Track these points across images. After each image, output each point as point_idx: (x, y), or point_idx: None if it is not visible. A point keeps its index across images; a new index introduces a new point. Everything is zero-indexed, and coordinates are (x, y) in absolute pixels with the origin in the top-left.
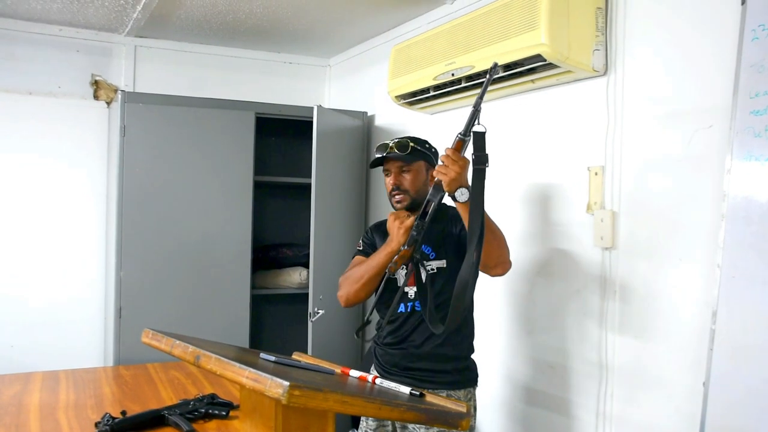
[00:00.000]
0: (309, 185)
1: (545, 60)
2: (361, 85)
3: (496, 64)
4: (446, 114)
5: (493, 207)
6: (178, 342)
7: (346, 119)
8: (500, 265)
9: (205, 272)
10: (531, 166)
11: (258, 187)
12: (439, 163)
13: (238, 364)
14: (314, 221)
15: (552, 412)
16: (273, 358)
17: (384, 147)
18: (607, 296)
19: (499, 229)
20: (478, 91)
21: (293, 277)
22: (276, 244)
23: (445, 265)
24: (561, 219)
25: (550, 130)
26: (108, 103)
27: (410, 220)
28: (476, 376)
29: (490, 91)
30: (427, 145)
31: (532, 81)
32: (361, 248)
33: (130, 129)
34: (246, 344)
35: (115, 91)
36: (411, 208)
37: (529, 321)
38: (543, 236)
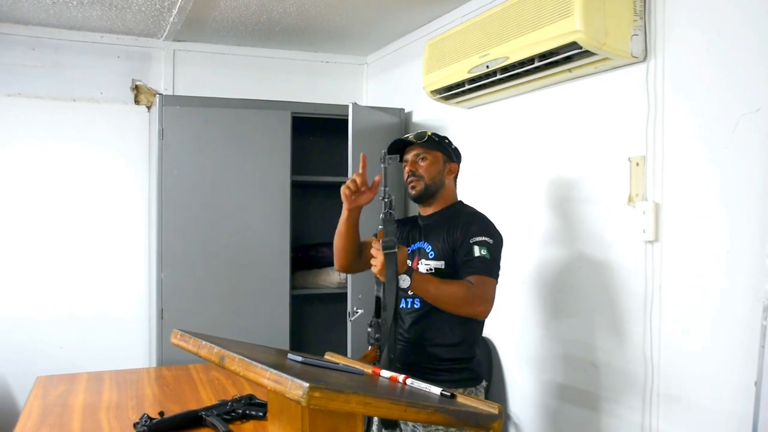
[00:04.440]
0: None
1: (581, 47)
2: (398, 82)
3: (385, 153)
4: (483, 108)
5: (531, 201)
6: (204, 343)
7: (382, 116)
8: (468, 315)
9: (244, 273)
10: (569, 158)
11: (296, 186)
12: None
13: (260, 365)
14: (362, 224)
15: (593, 412)
16: (300, 359)
17: (403, 138)
18: (650, 291)
19: (449, 293)
20: (515, 83)
21: (332, 276)
22: (315, 243)
23: (443, 267)
24: (601, 212)
25: (588, 121)
26: (148, 108)
27: (380, 261)
28: (477, 376)
29: (526, 83)
30: (447, 141)
31: (569, 70)
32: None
33: (168, 132)
34: (286, 345)
35: (155, 95)
36: (423, 196)
37: (569, 317)
38: (583, 230)
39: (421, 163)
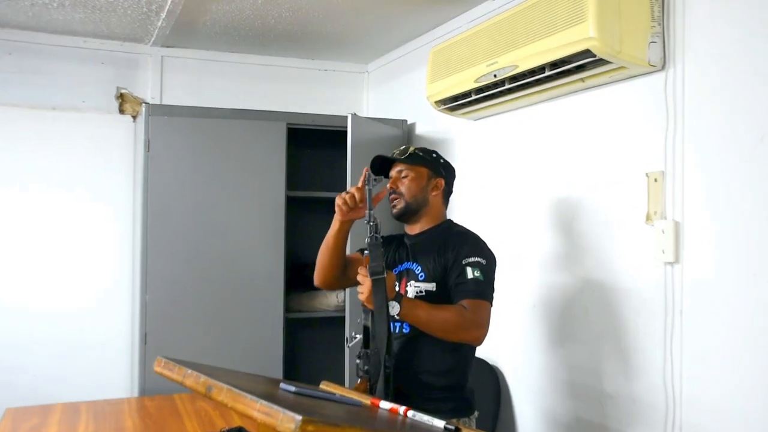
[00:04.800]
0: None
1: (595, 55)
2: (400, 92)
3: (370, 174)
4: (490, 120)
5: (541, 219)
6: (190, 371)
7: (383, 128)
8: (463, 341)
9: (235, 295)
10: (582, 173)
11: (291, 202)
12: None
13: (250, 396)
14: (350, 238)
15: None
16: (294, 389)
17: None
18: (670, 317)
19: (441, 319)
20: (524, 93)
21: (330, 299)
22: (311, 263)
23: (434, 289)
24: (617, 231)
25: (603, 133)
26: (134, 117)
27: (368, 288)
28: (469, 405)
29: (536, 93)
30: (434, 155)
31: (582, 80)
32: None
33: (154, 143)
34: (279, 372)
35: (141, 104)
36: (405, 215)
37: (582, 344)
38: (596, 250)
39: (404, 180)
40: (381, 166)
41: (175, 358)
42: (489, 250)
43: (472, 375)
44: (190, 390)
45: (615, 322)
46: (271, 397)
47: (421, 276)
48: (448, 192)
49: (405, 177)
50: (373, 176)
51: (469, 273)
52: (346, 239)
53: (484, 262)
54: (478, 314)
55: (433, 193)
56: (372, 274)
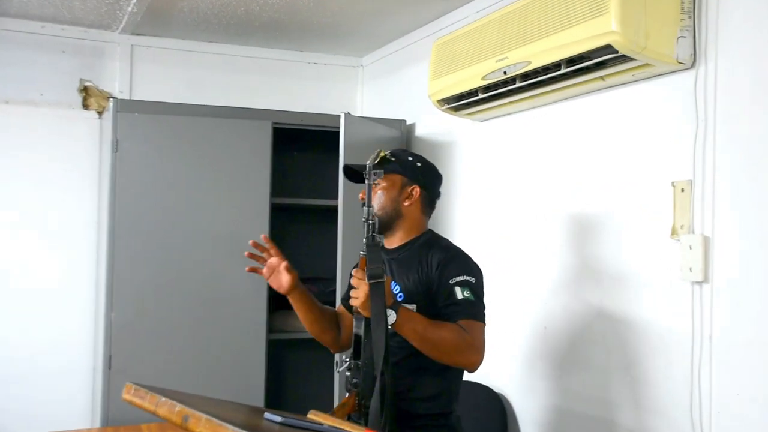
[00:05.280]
0: (335, 208)
1: (617, 51)
2: (399, 89)
3: (371, 167)
4: (499, 121)
5: (554, 232)
6: (163, 399)
7: (380, 129)
8: (458, 365)
9: (212, 313)
10: (601, 182)
11: (277, 210)
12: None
13: (232, 427)
14: (341, 251)
15: None
16: (279, 419)
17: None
18: (698, 344)
19: (440, 337)
20: (537, 92)
21: None
22: (298, 278)
23: (413, 310)
24: (639, 247)
25: (624, 138)
26: (99, 114)
27: (364, 292)
28: None
29: (550, 92)
30: (409, 159)
31: (602, 78)
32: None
33: (123, 143)
34: (261, 400)
35: (108, 98)
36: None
37: (599, 374)
38: (615, 268)
39: (374, 190)
40: (351, 175)
41: (147, 385)
42: (475, 264)
43: (458, 402)
44: (163, 420)
45: (635, 349)
46: (255, 428)
47: (400, 296)
48: (429, 199)
49: (376, 186)
50: (373, 169)
51: (459, 293)
52: (312, 304)
53: (473, 280)
54: (475, 337)
55: (406, 203)
56: (371, 277)
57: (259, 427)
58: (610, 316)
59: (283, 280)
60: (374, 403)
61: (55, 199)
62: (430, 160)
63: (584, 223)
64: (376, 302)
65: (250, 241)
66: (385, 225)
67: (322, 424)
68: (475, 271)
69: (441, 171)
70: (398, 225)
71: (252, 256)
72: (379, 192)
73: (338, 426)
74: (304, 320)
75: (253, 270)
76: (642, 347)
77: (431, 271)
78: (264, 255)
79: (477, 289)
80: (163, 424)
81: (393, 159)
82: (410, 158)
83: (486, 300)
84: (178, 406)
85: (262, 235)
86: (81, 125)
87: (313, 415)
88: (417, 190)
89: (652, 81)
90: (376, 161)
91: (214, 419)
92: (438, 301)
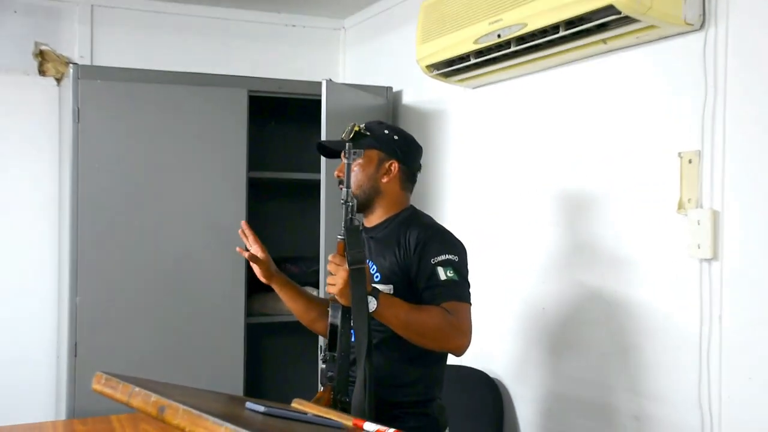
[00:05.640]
0: (317, 183)
1: (620, 12)
2: (384, 53)
3: (350, 146)
4: (492, 87)
5: (552, 206)
6: (137, 389)
7: (365, 97)
8: (443, 350)
9: (186, 297)
10: (602, 152)
11: (253, 185)
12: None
13: (212, 418)
14: (324, 228)
15: None
16: (262, 409)
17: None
18: (707, 325)
19: (423, 322)
20: (533, 56)
21: None
22: (277, 258)
23: (390, 292)
24: (642, 222)
25: (627, 105)
26: (58, 80)
27: (343, 279)
28: (437, 424)
29: (547, 56)
30: (386, 131)
31: (604, 41)
32: None
33: (86, 113)
34: (239, 388)
35: (67, 64)
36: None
37: (601, 357)
38: (617, 245)
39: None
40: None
41: (118, 374)
42: (457, 241)
43: (441, 388)
44: (137, 411)
45: (638, 332)
46: (237, 419)
47: (377, 276)
48: (409, 174)
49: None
50: (352, 148)
51: (442, 274)
52: (297, 293)
53: (455, 258)
54: (460, 319)
55: (384, 180)
56: (352, 262)
57: (240, 417)
58: (611, 296)
59: (256, 268)
60: (357, 396)
61: (10, 174)
62: (419, 129)
63: (584, 198)
64: (357, 290)
65: (239, 231)
66: (364, 204)
67: (306, 414)
68: (457, 248)
69: (430, 141)
70: (377, 203)
71: (244, 236)
72: (355, 169)
73: (324, 415)
74: (292, 309)
75: (242, 252)
76: (646, 329)
77: (410, 251)
78: (249, 241)
79: (460, 267)
80: (135, 415)
81: (368, 133)
82: (386, 131)
83: (478, 280)
84: (154, 397)
85: (242, 222)
86: (37, 93)
87: (298, 404)
88: (395, 165)
89: (658, 44)
90: (351, 136)
91: (192, 410)
92: (419, 283)
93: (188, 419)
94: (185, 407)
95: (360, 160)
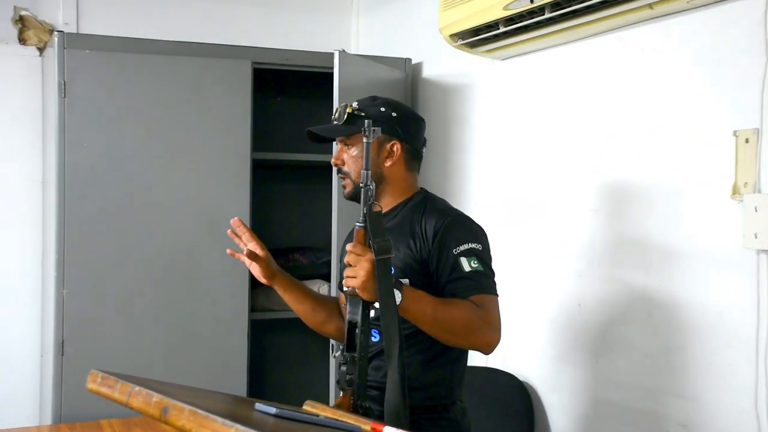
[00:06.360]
0: (329, 165)
1: None
2: (402, 22)
3: (369, 123)
4: (523, 59)
5: (589, 192)
6: (138, 388)
7: (381, 70)
8: (472, 348)
9: (185, 290)
10: (645, 131)
11: (258, 167)
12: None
13: (221, 419)
14: (336, 215)
15: None
16: (273, 410)
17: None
18: (764, 322)
19: (452, 317)
20: (570, 24)
21: None
22: (284, 248)
23: (408, 285)
24: (691, 209)
25: (676, 78)
26: (40, 50)
27: (367, 270)
28: (460, 429)
29: (585, 24)
30: (382, 109)
31: (650, 5)
32: None
33: (72, 86)
34: (242, 389)
35: (50, 31)
36: (356, 197)
37: (644, 357)
38: (662, 234)
39: (349, 152)
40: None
41: (116, 372)
42: (478, 227)
43: (461, 389)
44: (136, 413)
45: (686, 330)
46: (247, 421)
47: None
48: (414, 152)
49: (350, 148)
50: (371, 127)
51: (465, 265)
52: (303, 292)
53: (479, 247)
54: (490, 313)
55: (387, 163)
56: (379, 251)
57: (250, 418)
58: (656, 291)
59: (254, 268)
60: (392, 400)
61: None
62: (440, 106)
63: (625, 182)
64: (384, 282)
65: (228, 231)
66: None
67: (321, 416)
68: (479, 235)
69: (452, 119)
70: (383, 190)
71: (235, 236)
72: (354, 154)
73: (339, 418)
74: (298, 312)
75: (234, 254)
76: (694, 327)
77: (427, 241)
78: (243, 240)
79: (484, 256)
80: (127, 420)
81: (363, 114)
82: (383, 108)
83: (506, 272)
84: (156, 396)
85: (233, 220)
86: (17, 64)
87: (310, 407)
88: (397, 145)
89: (712, 8)
90: (344, 119)
91: (199, 410)
92: (441, 276)
93: (195, 420)
94: (191, 407)
95: (357, 146)
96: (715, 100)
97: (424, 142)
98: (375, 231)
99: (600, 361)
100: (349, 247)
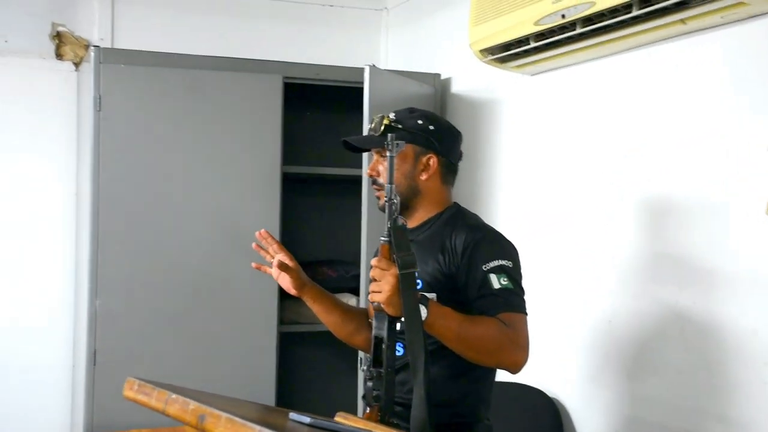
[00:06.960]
0: (359, 179)
1: None
2: (431, 37)
3: (392, 137)
4: (554, 74)
5: (620, 207)
6: (174, 396)
7: (410, 84)
8: (499, 366)
9: (215, 302)
10: (677, 146)
11: (288, 181)
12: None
13: (258, 427)
14: (366, 229)
15: None
16: (308, 420)
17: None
18: None
19: (479, 335)
20: (602, 39)
21: None
22: (313, 261)
23: (435, 299)
24: (725, 225)
25: (708, 93)
26: (76, 65)
27: (392, 285)
28: None
29: (617, 39)
30: (420, 121)
31: (683, 21)
32: None
33: (107, 100)
34: (271, 401)
35: (86, 47)
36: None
37: (675, 377)
38: (695, 250)
39: (383, 165)
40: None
41: (152, 380)
42: (508, 243)
43: (488, 408)
44: (175, 421)
45: (721, 348)
46: (282, 429)
47: (419, 284)
48: (449, 167)
49: (385, 159)
50: (395, 141)
51: (495, 282)
52: (332, 304)
53: (509, 264)
54: (518, 332)
55: (423, 177)
56: (403, 266)
57: (285, 427)
58: (688, 307)
59: (282, 280)
60: (418, 416)
61: (25, 166)
62: (470, 121)
63: (657, 198)
64: (408, 297)
65: (253, 244)
66: (402, 205)
67: (351, 427)
68: (510, 252)
69: (482, 134)
70: (417, 203)
71: (260, 249)
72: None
73: (371, 429)
74: (327, 324)
75: (260, 267)
76: (728, 345)
77: (456, 256)
78: (269, 251)
79: (515, 274)
80: (157, 431)
81: (400, 126)
82: (420, 121)
83: (536, 288)
84: (192, 404)
85: (259, 232)
86: (54, 78)
87: (342, 418)
88: (434, 159)
89: (747, 24)
90: (381, 130)
91: (236, 418)
92: (469, 293)
93: (232, 428)
94: (228, 415)
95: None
96: (750, 116)
97: (460, 156)
98: (399, 245)
99: (632, 379)
100: (373, 261)
